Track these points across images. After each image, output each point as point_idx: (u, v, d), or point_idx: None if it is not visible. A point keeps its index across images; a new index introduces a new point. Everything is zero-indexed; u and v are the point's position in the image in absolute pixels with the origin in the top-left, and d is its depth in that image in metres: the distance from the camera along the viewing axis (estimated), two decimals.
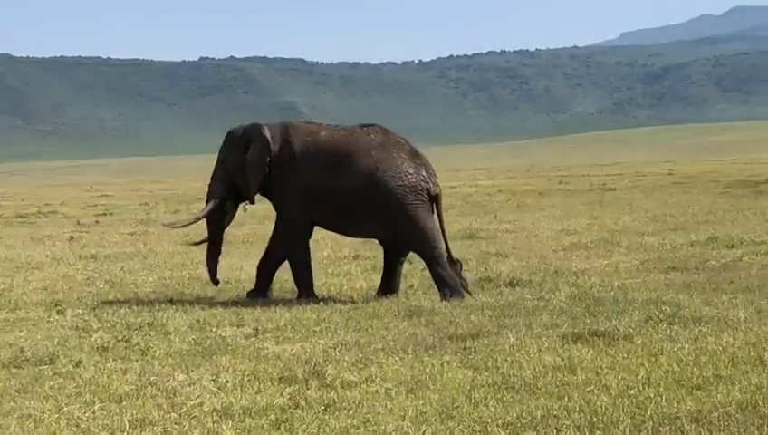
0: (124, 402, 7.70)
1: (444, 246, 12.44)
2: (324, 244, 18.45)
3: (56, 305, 12.17)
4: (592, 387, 7.68)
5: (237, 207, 13.54)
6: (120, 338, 10.05)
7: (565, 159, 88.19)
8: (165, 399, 7.78)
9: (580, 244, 17.50)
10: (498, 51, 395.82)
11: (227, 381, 8.21)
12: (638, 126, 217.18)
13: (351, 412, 7.29)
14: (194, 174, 73.40)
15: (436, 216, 12.54)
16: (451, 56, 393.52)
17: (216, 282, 13.17)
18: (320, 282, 13.14)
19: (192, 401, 7.68)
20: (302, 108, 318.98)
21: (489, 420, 6.98)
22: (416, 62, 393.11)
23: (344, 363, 8.71)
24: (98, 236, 22.64)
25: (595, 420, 6.92)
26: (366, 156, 12.39)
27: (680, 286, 12.46)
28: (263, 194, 13.13)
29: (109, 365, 8.92)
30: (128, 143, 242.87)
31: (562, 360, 8.56)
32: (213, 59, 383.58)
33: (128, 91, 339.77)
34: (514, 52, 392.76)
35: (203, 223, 13.43)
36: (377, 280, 13.72)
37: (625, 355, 8.68)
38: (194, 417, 7.30)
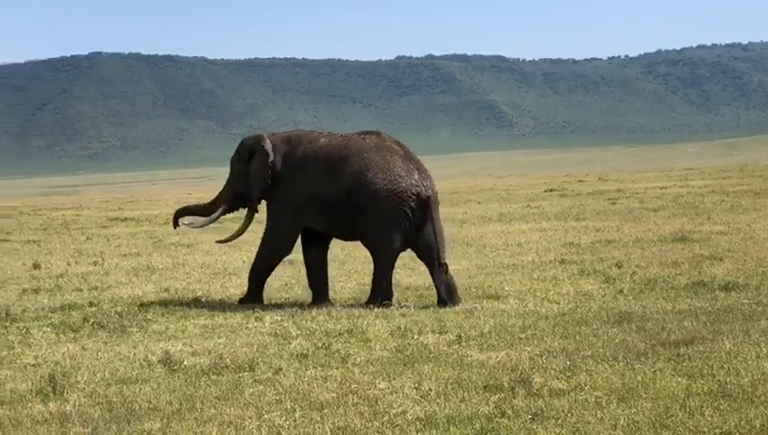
0: (325, 410, 7.61)
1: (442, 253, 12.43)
2: (529, 248, 18.15)
3: (254, 312, 12.25)
4: None
5: (252, 214, 13.82)
6: (319, 345, 10.02)
7: None
8: (367, 407, 7.65)
9: None
10: (709, 44, 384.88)
11: (430, 390, 8.05)
12: None
13: (560, 421, 7.07)
14: None
15: (429, 219, 12.47)
16: (659, 51, 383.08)
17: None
18: (524, 287, 12.83)
19: (394, 409, 7.54)
20: (503, 107, 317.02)
21: (705, 430, 6.76)
22: (622, 57, 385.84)
23: (552, 371, 8.46)
24: None
25: None
26: (358, 159, 12.50)
27: None
28: (265, 199, 13.35)
29: (309, 372, 8.87)
30: None
31: None
32: (410, 57, 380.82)
33: (323, 92, 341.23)
34: (726, 45, 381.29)
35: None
36: (584, 285, 13.43)
37: None
38: (397, 426, 7.16)
